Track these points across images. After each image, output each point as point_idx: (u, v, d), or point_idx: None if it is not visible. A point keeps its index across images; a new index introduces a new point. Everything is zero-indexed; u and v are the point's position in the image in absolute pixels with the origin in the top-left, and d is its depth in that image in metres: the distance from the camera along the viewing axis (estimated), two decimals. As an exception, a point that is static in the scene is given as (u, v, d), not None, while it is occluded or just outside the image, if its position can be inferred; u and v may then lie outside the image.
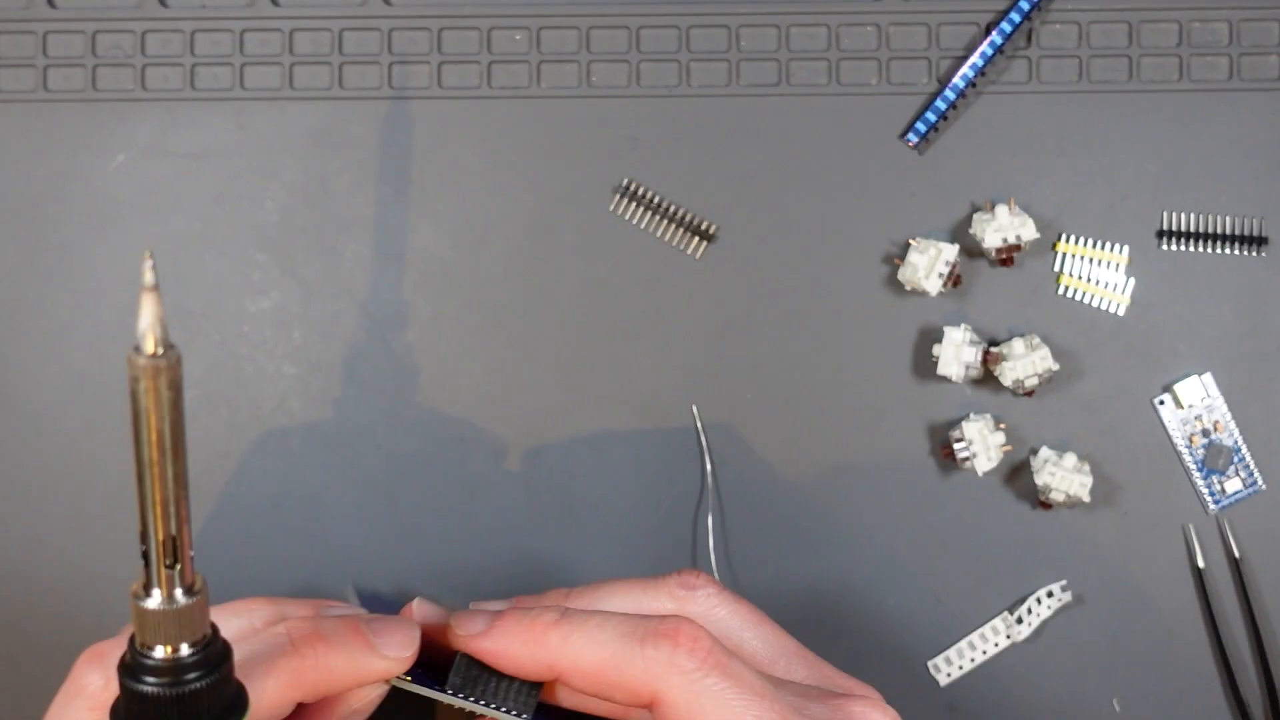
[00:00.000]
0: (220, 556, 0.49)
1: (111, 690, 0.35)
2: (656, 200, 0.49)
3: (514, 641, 0.37)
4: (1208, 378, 0.49)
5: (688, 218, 0.49)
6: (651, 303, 0.50)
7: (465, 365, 0.49)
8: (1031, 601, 0.49)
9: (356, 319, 0.50)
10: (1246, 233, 0.49)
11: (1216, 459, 0.49)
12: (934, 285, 0.48)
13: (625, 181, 0.50)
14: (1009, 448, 0.48)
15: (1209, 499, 0.49)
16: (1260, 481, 0.49)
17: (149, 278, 0.29)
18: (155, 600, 0.30)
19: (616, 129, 0.50)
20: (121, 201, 0.50)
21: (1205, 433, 0.49)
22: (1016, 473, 0.49)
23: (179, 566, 0.30)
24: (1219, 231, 0.49)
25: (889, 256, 0.49)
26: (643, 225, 0.50)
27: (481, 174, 0.50)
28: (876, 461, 0.49)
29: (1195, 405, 0.49)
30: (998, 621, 0.49)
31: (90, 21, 0.50)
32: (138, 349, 0.29)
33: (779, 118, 0.50)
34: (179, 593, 0.31)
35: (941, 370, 0.48)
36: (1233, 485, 0.49)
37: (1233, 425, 0.49)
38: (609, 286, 0.50)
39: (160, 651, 0.31)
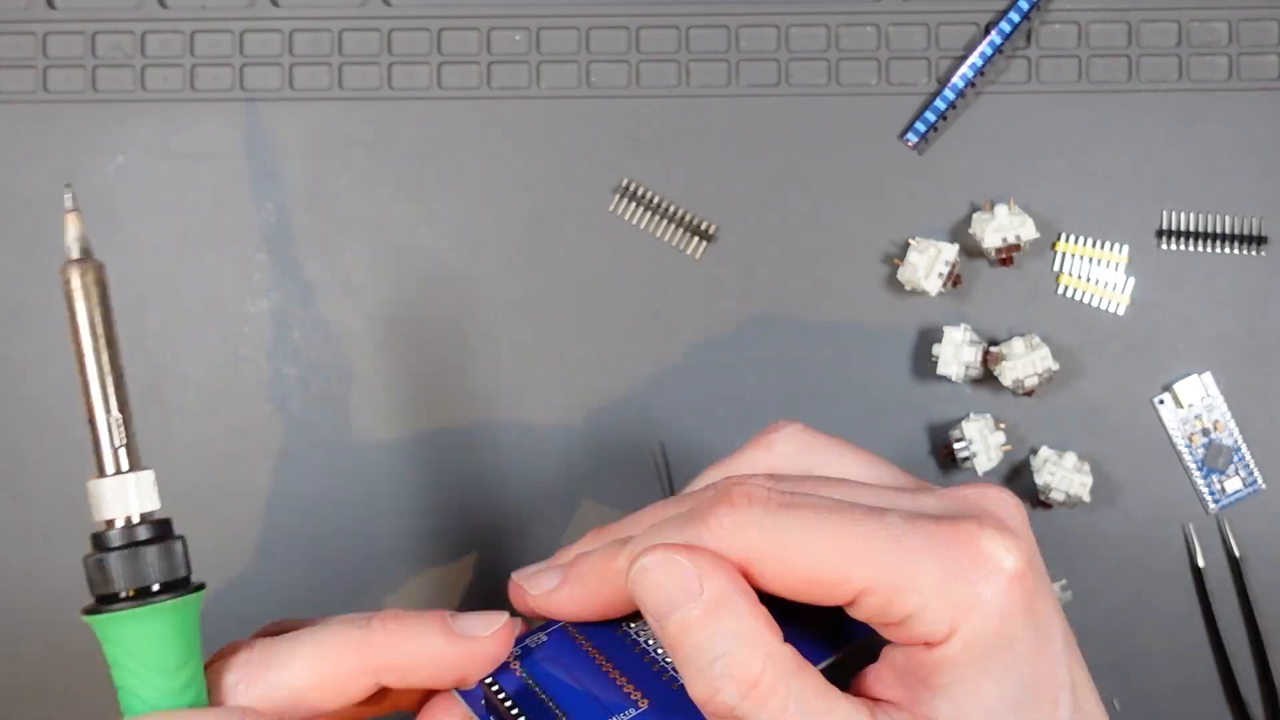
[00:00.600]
0: (221, 556, 0.49)
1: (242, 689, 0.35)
2: (656, 200, 0.49)
3: (594, 584, 0.35)
4: (1207, 377, 0.49)
5: (688, 218, 0.49)
6: (651, 303, 0.50)
7: (465, 365, 0.49)
8: (1032, 601, 0.49)
9: (357, 320, 0.50)
10: (1246, 232, 0.49)
11: (1216, 458, 0.49)
12: (934, 285, 0.48)
13: (625, 181, 0.50)
14: (1009, 447, 0.48)
15: (1209, 498, 0.49)
16: (1260, 481, 0.49)
17: (69, 202, 0.35)
18: (109, 473, 0.34)
19: (616, 129, 0.50)
20: (121, 202, 0.50)
21: (1205, 432, 0.49)
22: (1016, 472, 0.49)
23: (125, 444, 0.34)
24: (1218, 231, 0.49)
25: (889, 256, 0.49)
26: (643, 225, 0.50)
27: (481, 174, 0.50)
28: (876, 461, 0.49)
29: (1195, 405, 0.49)
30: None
31: (90, 22, 0.50)
32: (67, 260, 0.34)
33: (779, 118, 0.50)
34: (126, 466, 0.34)
35: (941, 370, 0.48)
36: (1233, 485, 0.49)
37: (1232, 425, 0.49)
38: (609, 286, 0.50)
39: (118, 523, 0.34)
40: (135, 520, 0.34)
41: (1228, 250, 0.49)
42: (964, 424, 0.48)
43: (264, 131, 0.50)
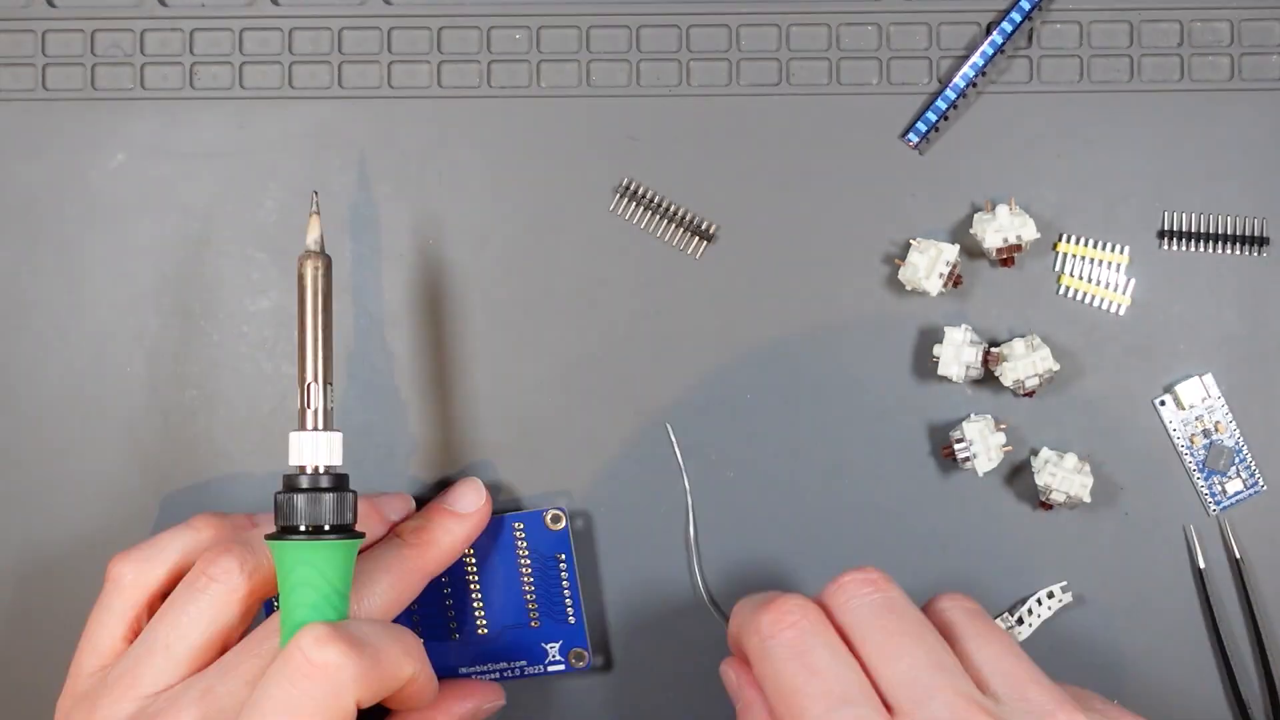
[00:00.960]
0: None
1: (141, 585, 0.44)
2: (656, 200, 0.49)
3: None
4: (1208, 378, 0.49)
5: (688, 218, 0.49)
6: (651, 303, 0.49)
7: (465, 365, 0.49)
8: (1032, 602, 0.49)
9: (356, 319, 0.50)
10: (1247, 233, 0.49)
11: (1217, 460, 0.49)
12: (934, 285, 0.48)
13: (625, 181, 0.50)
14: (1009, 448, 0.48)
15: (1210, 500, 0.49)
16: (1261, 482, 0.49)
17: (314, 206, 0.43)
18: (310, 426, 0.42)
19: (616, 129, 0.50)
20: (121, 201, 0.50)
21: (1206, 433, 0.49)
22: (1017, 473, 0.49)
23: (326, 406, 0.42)
24: (1220, 232, 0.49)
25: (889, 256, 0.49)
26: (643, 225, 0.49)
27: (481, 174, 0.50)
28: (876, 461, 0.49)
29: (1196, 406, 0.49)
30: (997, 623, 0.49)
31: (89, 20, 0.50)
32: (306, 251, 0.42)
33: (779, 118, 0.50)
34: (323, 424, 0.42)
35: (942, 370, 0.48)
36: (1234, 486, 0.49)
37: (1234, 426, 0.49)
38: (609, 286, 0.50)
39: (308, 468, 0.41)
40: (321, 470, 0.41)
41: (1229, 251, 0.49)
42: (964, 425, 0.48)
43: (264, 131, 0.50)
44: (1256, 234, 0.49)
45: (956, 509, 0.49)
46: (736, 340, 0.49)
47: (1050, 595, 0.49)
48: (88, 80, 0.50)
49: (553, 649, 0.48)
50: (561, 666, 0.48)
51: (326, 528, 0.41)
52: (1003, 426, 0.48)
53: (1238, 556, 0.49)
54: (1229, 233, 0.49)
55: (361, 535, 0.42)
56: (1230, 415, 0.49)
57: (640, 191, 0.49)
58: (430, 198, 0.50)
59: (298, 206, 0.50)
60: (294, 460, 0.42)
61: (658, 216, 0.49)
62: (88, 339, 0.50)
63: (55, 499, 0.50)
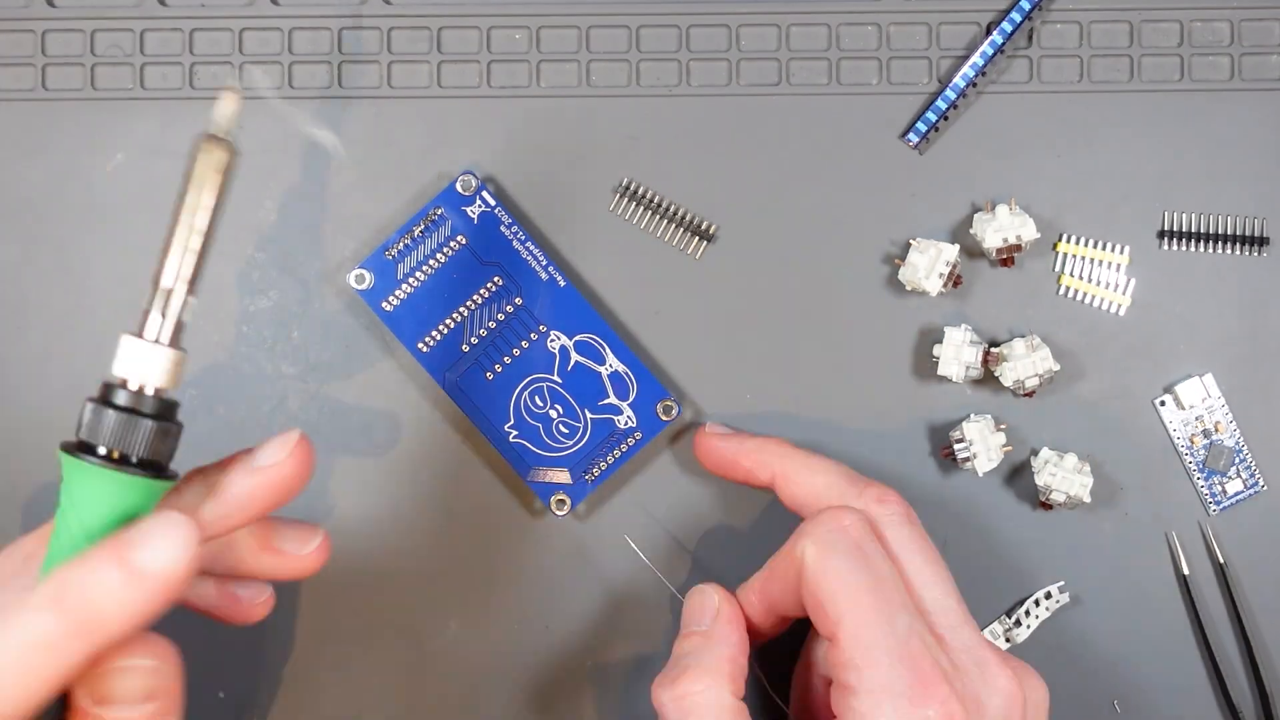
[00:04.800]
0: (219, 556, 0.49)
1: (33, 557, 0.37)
2: (656, 200, 0.49)
3: (754, 446, 0.46)
4: (1209, 378, 0.49)
5: (688, 218, 0.49)
6: (651, 303, 0.49)
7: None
8: (1030, 603, 0.49)
9: (357, 319, 0.50)
10: (1248, 233, 0.49)
11: (1218, 460, 0.49)
12: (934, 285, 0.48)
13: (625, 181, 0.50)
14: (1009, 448, 0.48)
15: (1210, 500, 0.49)
16: (1261, 482, 0.49)
17: (232, 84, 0.36)
18: (147, 338, 0.35)
19: (616, 129, 0.50)
20: (120, 201, 0.50)
21: (1206, 434, 0.49)
22: (1017, 473, 0.49)
23: (175, 322, 0.35)
24: (1220, 232, 0.49)
25: (889, 256, 0.49)
26: (643, 225, 0.49)
27: (481, 173, 0.50)
28: (876, 461, 0.49)
29: (1196, 406, 0.49)
30: (995, 625, 0.49)
31: (89, 20, 0.50)
32: (207, 134, 0.35)
33: (779, 118, 0.50)
34: (166, 340, 0.35)
35: (942, 371, 0.48)
36: (1234, 486, 0.49)
37: (1234, 426, 0.49)
38: (609, 286, 0.49)
39: (131, 385, 0.35)
40: (149, 392, 0.35)
41: (1229, 251, 0.49)
42: (964, 425, 0.48)
43: (263, 130, 0.50)
44: (1256, 234, 0.49)
45: (956, 509, 0.49)
46: (736, 340, 0.49)
47: (1048, 596, 0.49)
48: (88, 80, 0.50)
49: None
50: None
51: (134, 460, 0.34)
52: (1003, 427, 0.48)
53: (1221, 561, 0.49)
54: (1229, 233, 0.49)
55: (173, 478, 0.36)
56: (1230, 415, 0.49)
57: (640, 191, 0.49)
58: (430, 198, 0.50)
59: (298, 207, 0.50)
60: (119, 369, 0.35)
61: (658, 216, 0.49)
62: (88, 339, 0.50)
63: (55, 499, 0.49)
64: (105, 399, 0.35)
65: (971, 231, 0.48)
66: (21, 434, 0.50)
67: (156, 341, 0.35)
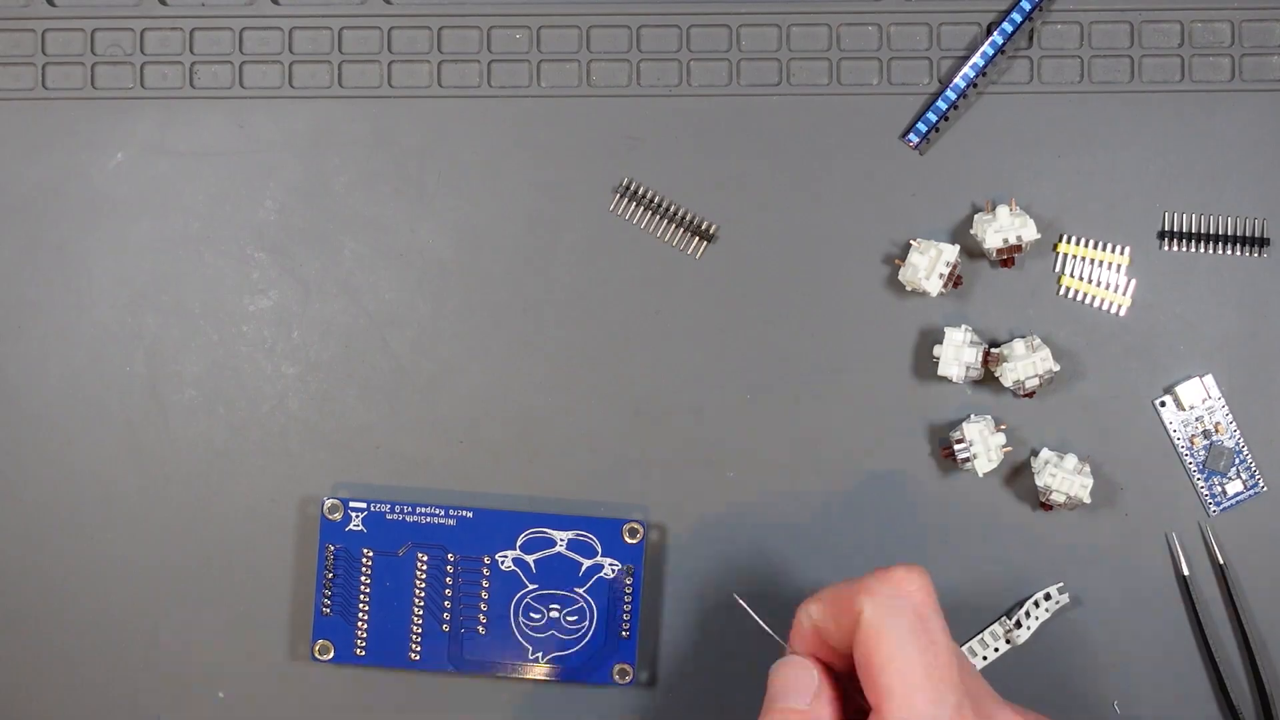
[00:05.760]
0: (219, 556, 0.49)
1: None
2: (656, 200, 0.49)
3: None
4: (1209, 379, 0.49)
5: (688, 218, 0.49)
6: (651, 303, 0.49)
7: (465, 365, 0.49)
8: (1030, 604, 0.49)
9: (356, 319, 0.50)
10: (1248, 234, 0.49)
11: (1218, 461, 0.49)
12: (934, 286, 0.48)
13: (625, 181, 0.49)
14: (1009, 449, 0.48)
15: (1210, 501, 0.49)
16: (1261, 483, 0.49)
17: None
18: None
19: (616, 129, 0.50)
20: (120, 200, 0.50)
21: (1206, 434, 0.49)
22: (1017, 474, 0.49)
23: None
24: (1220, 232, 0.49)
25: (889, 257, 0.49)
26: (643, 225, 0.49)
27: (481, 173, 0.50)
28: (876, 461, 0.49)
29: (1196, 407, 0.49)
30: (996, 626, 0.49)
31: (89, 20, 0.50)
32: None
33: (779, 118, 0.50)
34: None
35: (942, 371, 0.48)
36: (1234, 487, 0.49)
37: (1234, 427, 0.49)
38: (609, 286, 0.49)
39: None
40: None
41: (1230, 252, 0.49)
42: (964, 425, 0.48)
43: (263, 130, 0.50)
44: (1256, 234, 0.49)
45: (956, 509, 0.49)
46: (736, 340, 0.49)
47: (1047, 597, 0.49)
48: (88, 80, 0.50)
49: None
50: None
51: None
52: (1003, 427, 0.48)
53: (1222, 562, 0.49)
54: (1229, 233, 0.49)
55: None
56: (1230, 416, 0.49)
57: (640, 191, 0.49)
58: (430, 197, 0.50)
59: (298, 207, 0.50)
60: None
61: (658, 216, 0.49)
62: (88, 339, 0.50)
63: (55, 498, 0.50)
64: None
65: (971, 232, 0.48)
66: (22, 434, 0.50)
67: None
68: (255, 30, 0.50)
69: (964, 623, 0.49)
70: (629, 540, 0.48)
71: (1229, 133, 0.49)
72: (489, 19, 0.50)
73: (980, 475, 0.48)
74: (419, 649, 0.48)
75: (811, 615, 0.41)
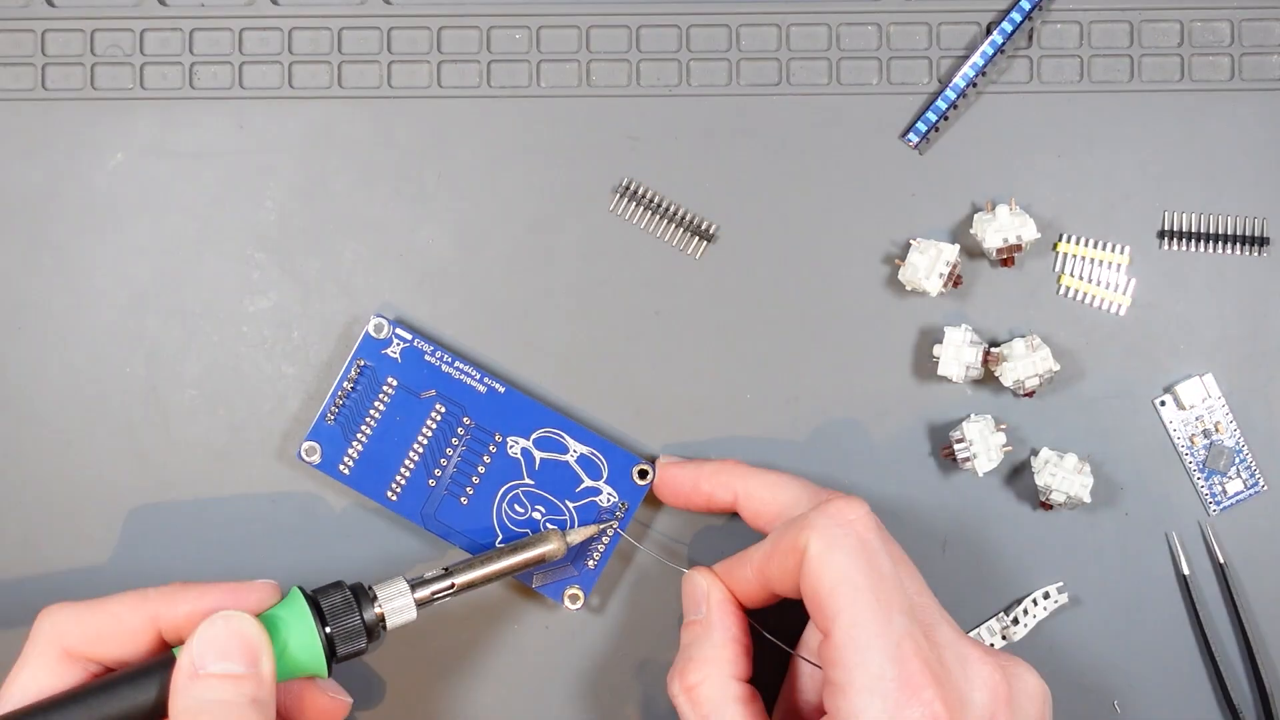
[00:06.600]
0: (219, 556, 0.49)
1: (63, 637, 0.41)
2: (656, 200, 0.49)
3: (713, 469, 0.47)
4: (1209, 378, 0.49)
5: (688, 218, 0.49)
6: (651, 303, 0.49)
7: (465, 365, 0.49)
8: (1028, 603, 0.49)
9: (356, 319, 0.50)
10: (1248, 233, 0.49)
11: (1218, 460, 0.49)
12: (934, 285, 0.48)
13: (625, 181, 0.50)
14: (1009, 448, 0.48)
15: (1210, 500, 0.49)
16: (1261, 482, 0.49)
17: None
18: (419, 592, 0.44)
19: (616, 129, 0.50)
20: (120, 201, 0.50)
21: (1206, 434, 0.49)
22: (1017, 473, 0.49)
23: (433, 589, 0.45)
24: (1220, 232, 0.49)
25: (889, 256, 0.49)
26: (643, 225, 0.49)
27: (481, 173, 0.50)
28: (877, 462, 0.49)
29: (1196, 406, 0.49)
30: (993, 623, 0.49)
31: (89, 20, 0.50)
32: None
33: (779, 118, 0.50)
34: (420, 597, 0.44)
35: (942, 371, 0.48)
36: (1234, 486, 0.49)
37: (1234, 426, 0.49)
38: (609, 286, 0.49)
39: (385, 614, 0.44)
40: (387, 624, 0.44)
41: (1230, 251, 0.49)
42: (964, 425, 0.48)
43: (263, 130, 0.50)
44: (1256, 234, 0.49)
45: (956, 509, 0.49)
46: (736, 340, 0.49)
47: (1046, 595, 0.49)
48: (88, 80, 0.50)
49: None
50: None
51: (336, 653, 0.43)
52: (1003, 427, 0.48)
53: (1222, 562, 0.49)
54: (1229, 233, 0.49)
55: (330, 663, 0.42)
56: (1230, 415, 0.49)
57: (640, 191, 0.49)
58: (430, 197, 0.50)
59: (297, 207, 0.50)
60: (433, 585, 0.45)
61: (658, 216, 0.49)
62: (88, 339, 0.50)
63: (55, 499, 0.49)
64: (360, 602, 0.43)
65: (971, 231, 0.48)
66: (22, 434, 0.50)
67: (416, 600, 0.43)
68: (255, 30, 0.50)
69: (963, 623, 0.49)
70: (637, 481, 0.48)
71: (1229, 132, 0.49)
72: (489, 19, 0.50)
73: (980, 475, 0.48)
74: (398, 491, 0.48)
75: (753, 562, 0.43)
